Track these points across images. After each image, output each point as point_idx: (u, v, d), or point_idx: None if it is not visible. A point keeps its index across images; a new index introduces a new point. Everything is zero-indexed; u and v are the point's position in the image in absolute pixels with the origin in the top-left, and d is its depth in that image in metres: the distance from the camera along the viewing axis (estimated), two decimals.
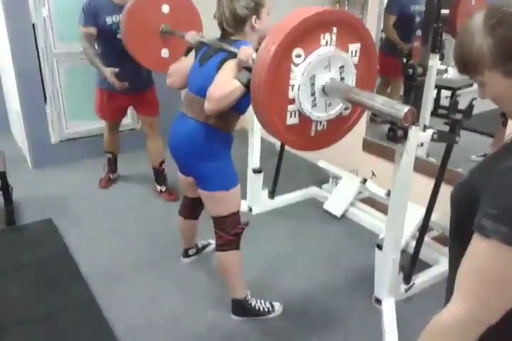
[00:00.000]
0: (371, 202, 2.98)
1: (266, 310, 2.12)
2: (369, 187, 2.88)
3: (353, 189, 2.94)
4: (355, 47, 1.58)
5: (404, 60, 1.81)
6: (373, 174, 2.90)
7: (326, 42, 1.50)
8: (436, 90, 3.03)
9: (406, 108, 1.38)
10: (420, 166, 2.19)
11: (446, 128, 2.02)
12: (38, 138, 3.56)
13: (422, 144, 1.89)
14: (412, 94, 1.73)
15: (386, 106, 1.42)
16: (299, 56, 1.45)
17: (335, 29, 1.50)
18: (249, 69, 1.59)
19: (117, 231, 2.81)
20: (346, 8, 3.45)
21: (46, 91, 3.48)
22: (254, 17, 1.82)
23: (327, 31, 1.49)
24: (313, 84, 1.51)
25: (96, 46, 2.89)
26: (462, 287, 0.79)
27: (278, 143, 3.14)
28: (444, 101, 3.23)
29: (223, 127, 1.86)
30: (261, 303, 2.12)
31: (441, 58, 2.70)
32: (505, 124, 2.46)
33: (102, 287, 2.30)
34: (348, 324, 2.11)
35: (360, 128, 3.15)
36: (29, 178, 3.48)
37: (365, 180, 2.89)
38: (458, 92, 3.12)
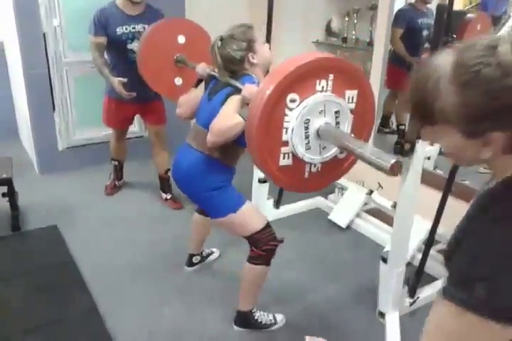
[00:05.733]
0: (377, 213, 2.96)
1: (268, 322, 2.10)
2: (375, 199, 2.86)
3: (358, 200, 2.92)
4: (352, 93, 1.59)
5: None
6: (380, 185, 2.89)
7: (322, 88, 1.51)
8: None
9: (393, 160, 1.39)
10: (427, 178, 2.17)
11: None
12: (46, 144, 3.59)
13: (429, 157, 1.87)
14: None
15: (374, 156, 1.42)
16: (293, 101, 1.47)
17: (331, 76, 1.51)
18: None
19: (121, 239, 2.80)
20: (355, 21, 3.47)
21: (55, 99, 3.51)
22: (251, 54, 1.87)
23: (323, 78, 1.50)
24: (307, 128, 1.52)
25: (106, 56, 2.91)
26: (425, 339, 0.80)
27: None
28: None
29: (226, 161, 1.90)
30: (264, 316, 2.11)
31: None
32: None
33: (104, 296, 2.29)
34: (350, 337, 2.08)
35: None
36: (35, 184, 3.49)
37: (371, 192, 2.87)
38: None
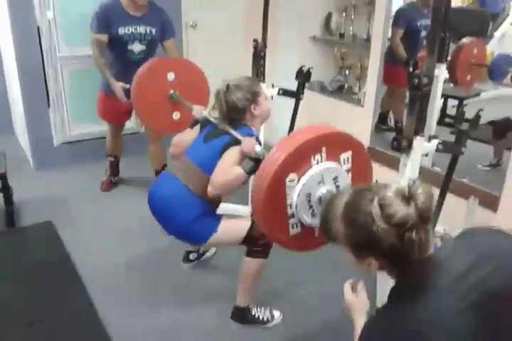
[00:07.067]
0: None
1: (265, 319, 2.10)
2: None
3: None
4: (346, 155, 1.62)
5: (411, 69, 1.78)
6: (377, 182, 2.87)
7: (317, 161, 1.54)
8: (442, 99, 3.00)
9: None
10: (425, 176, 2.16)
11: (452, 138, 1.99)
12: (41, 140, 3.56)
13: (426, 154, 1.87)
14: (417, 104, 1.71)
15: None
16: (292, 180, 1.50)
17: (324, 148, 1.54)
18: (251, 158, 1.75)
19: (117, 235, 2.79)
20: (353, 17, 3.45)
21: (50, 94, 3.47)
22: (253, 105, 1.92)
23: (317, 152, 1.53)
24: (309, 201, 1.56)
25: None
26: None
27: None
28: (451, 111, 3.21)
29: (213, 202, 1.92)
30: (261, 311, 2.11)
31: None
32: (495, 136, 2.49)
33: (100, 292, 2.28)
34: (348, 336, 2.07)
35: (365, 137, 3.13)
36: (31, 180, 3.47)
37: None
38: (465, 102, 3.09)
